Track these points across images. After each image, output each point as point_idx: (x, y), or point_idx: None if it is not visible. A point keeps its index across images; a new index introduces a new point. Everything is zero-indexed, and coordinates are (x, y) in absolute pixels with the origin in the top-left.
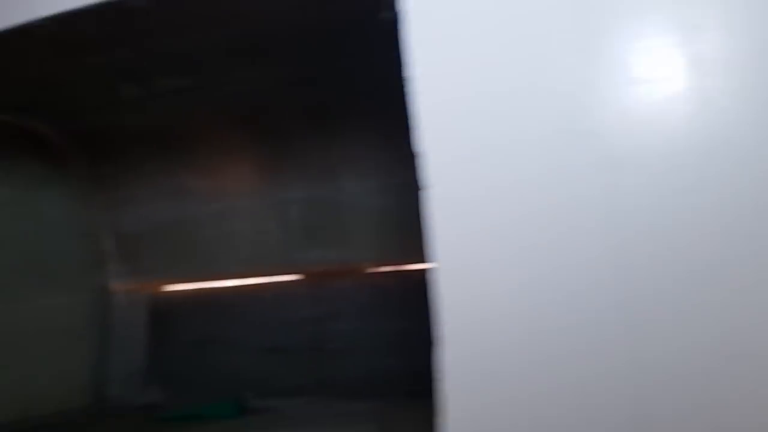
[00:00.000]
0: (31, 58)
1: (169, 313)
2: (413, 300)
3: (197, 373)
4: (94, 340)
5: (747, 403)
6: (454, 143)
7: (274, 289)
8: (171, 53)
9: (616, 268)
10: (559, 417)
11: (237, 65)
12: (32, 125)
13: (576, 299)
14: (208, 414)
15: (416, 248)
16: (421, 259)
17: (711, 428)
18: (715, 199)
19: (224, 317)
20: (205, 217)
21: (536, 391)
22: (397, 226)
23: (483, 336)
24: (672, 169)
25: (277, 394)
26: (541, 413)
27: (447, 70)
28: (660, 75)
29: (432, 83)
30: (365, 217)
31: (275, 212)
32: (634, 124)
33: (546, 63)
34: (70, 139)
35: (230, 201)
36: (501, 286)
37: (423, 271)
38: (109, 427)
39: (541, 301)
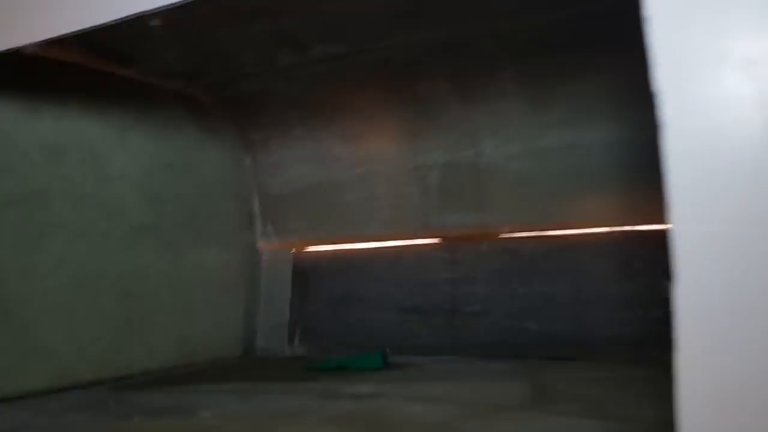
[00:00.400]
0: (208, 28)
1: (311, 272)
2: (550, 265)
3: (337, 328)
4: (244, 295)
5: None
6: (695, 86)
7: (412, 252)
8: (330, 20)
9: None
10: None
11: (394, 31)
12: (193, 93)
13: None
14: (355, 365)
15: (554, 214)
16: (559, 226)
17: None
18: None
19: (363, 277)
20: (347, 181)
21: None
22: (536, 191)
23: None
24: None
25: (414, 351)
26: None
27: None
28: None
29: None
30: (504, 183)
31: (415, 177)
32: None
33: None
34: (225, 106)
35: (372, 165)
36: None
37: (560, 237)
38: (267, 374)
39: None
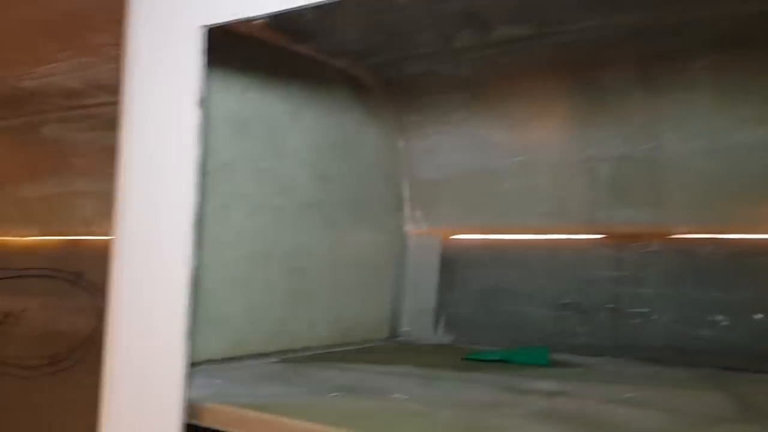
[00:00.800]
0: (398, 7)
1: (460, 260)
2: (728, 270)
3: (485, 319)
4: (391, 278)
5: None
6: None
7: (572, 246)
8: (521, 1)
9: None
10: None
11: (585, 14)
12: (357, 73)
13: None
14: (519, 359)
15: (737, 217)
16: (742, 230)
17: None
18: None
19: (516, 269)
20: (505, 169)
21: None
22: (719, 191)
23: None
24: None
25: (569, 350)
26: None
27: None
28: None
29: None
30: (684, 180)
31: (583, 168)
32: None
33: None
34: (385, 87)
35: (535, 154)
36: None
37: (742, 241)
38: (426, 360)
39: None
